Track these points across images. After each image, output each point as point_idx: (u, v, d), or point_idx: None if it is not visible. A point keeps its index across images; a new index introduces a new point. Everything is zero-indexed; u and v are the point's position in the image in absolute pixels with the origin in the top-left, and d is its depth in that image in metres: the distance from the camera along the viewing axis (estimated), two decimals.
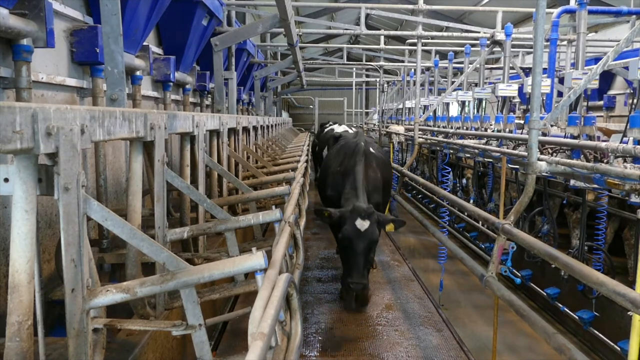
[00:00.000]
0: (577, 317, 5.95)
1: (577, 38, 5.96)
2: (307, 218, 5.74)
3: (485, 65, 11.15)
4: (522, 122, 8.15)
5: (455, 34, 11.67)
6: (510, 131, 7.80)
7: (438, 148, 10.53)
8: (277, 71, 16.09)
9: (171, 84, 6.89)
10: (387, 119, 19.25)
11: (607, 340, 5.52)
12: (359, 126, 21.50)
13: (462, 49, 10.50)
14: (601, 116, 11.78)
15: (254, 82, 13.09)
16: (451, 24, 11.91)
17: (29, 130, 1.79)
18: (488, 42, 9.32)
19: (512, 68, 8.92)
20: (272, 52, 17.50)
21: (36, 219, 2.00)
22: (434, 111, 12.06)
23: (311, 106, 31.81)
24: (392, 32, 13.50)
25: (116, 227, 2.31)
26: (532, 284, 7.17)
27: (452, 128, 10.50)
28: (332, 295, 6.93)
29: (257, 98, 13.36)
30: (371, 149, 7.05)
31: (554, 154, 5.45)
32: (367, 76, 25.16)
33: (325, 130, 14.05)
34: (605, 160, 4.55)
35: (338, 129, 12.86)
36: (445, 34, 12.45)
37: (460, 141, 8.68)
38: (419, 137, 10.60)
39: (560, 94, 6.81)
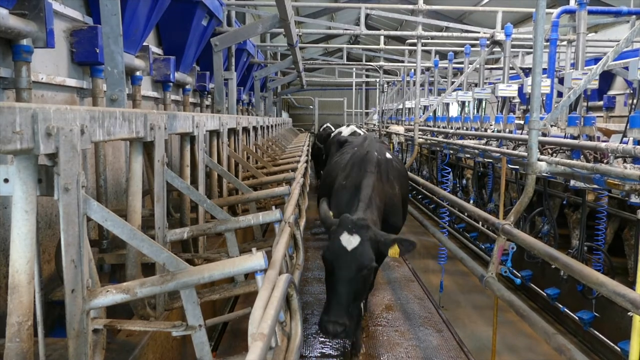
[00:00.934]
0: (577, 318, 5.95)
1: (577, 38, 5.96)
2: (307, 218, 5.73)
3: (485, 66, 11.14)
4: (522, 122, 8.15)
5: (455, 34, 11.68)
6: (510, 131, 7.80)
7: (438, 148, 10.53)
8: (277, 71, 16.09)
9: (171, 84, 6.89)
10: (387, 119, 19.24)
11: (607, 340, 5.51)
12: (372, 129, 21.17)
13: (462, 49, 10.50)
14: (601, 116, 11.78)
15: (254, 83, 13.09)
16: (451, 24, 11.92)
17: (29, 130, 1.79)
18: (488, 42, 9.33)
19: (512, 68, 8.92)
20: (272, 52, 17.50)
21: (36, 220, 2.00)
22: (434, 111, 12.05)
23: (311, 106, 31.82)
24: (392, 32, 13.52)
25: (116, 227, 2.31)
26: (532, 285, 7.17)
27: (452, 128, 10.49)
28: None
29: (257, 98, 13.36)
30: (387, 155, 5.71)
31: (554, 155, 5.45)
32: (367, 76, 25.18)
33: (332, 134, 12.76)
34: (605, 161, 4.55)
35: (345, 131, 11.87)
36: (445, 34, 12.45)
37: (460, 141, 8.68)
38: (419, 138, 10.60)
39: (560, 94, 6.81)
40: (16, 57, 3.44)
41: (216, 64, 7.52)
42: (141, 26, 5.34)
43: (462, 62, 11.08)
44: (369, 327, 5.99)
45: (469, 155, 8.65)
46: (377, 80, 21.10)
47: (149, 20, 5.46)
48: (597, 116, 9.65)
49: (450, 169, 10.17)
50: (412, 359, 5.34)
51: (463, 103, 10.21)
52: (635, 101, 4.64)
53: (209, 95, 9.16)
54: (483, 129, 9.20)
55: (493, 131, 8.35)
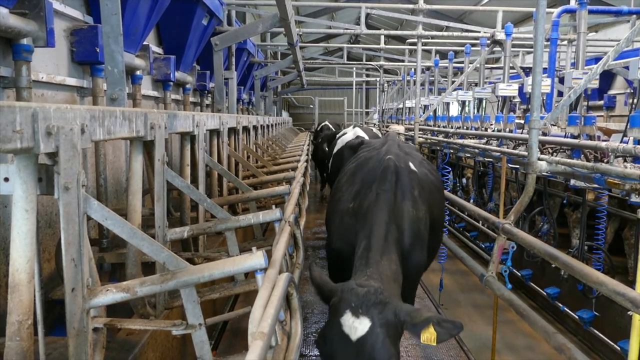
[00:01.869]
0: (577, 317, 5.94)
1: (577, 38, 5.95)
2: (307, 217, 5.73)
3: (486, 65, 11.14)
4: (522, 121, 8.16)
5: (455, 33, 11.68)
6: (511, 131, 7.80)
7: (438, 148, 10.52)
8: (277, 71, 16.10)
9: (171, 83, 6.89)
10: (387, 118, 19.24)
11: (607, 340, 5.52)
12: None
13: (462, 48, 10.51)
14: (601, 116, 11.78)
15: (254, 82, 13.09)
16: (451, 24, 11.93)
17: (29, 129, 1.79)
18: (488, 41, 9.33)
19: (512, 68, 8.92)
20: (272, 51, 17.51)
21: (36, 219, 2.00)
22: (434, 111, 12.05)
23: (311, 106, 31.77)
24: (392, 32, 13.55)
25: (116, 226, 2.31)
26: (532, 284, 7.17)
27: (452, 128, 10.50)
28: None
29: (257, 98, 13.36)
30: (411, 166, 4.21)
31: (554, 154, 5.45)
32: (367, 76, 25.17)
33: (337, 138, 9.71)
34: (605, 160, 4.55)
35: (349, 133, 9.29)
36: (445, 33, 12.46)
37: (460, 141, 8.68)
38: (419, 137, 10.60)
39: (560, 94, 6.82)
40: (16, 56, 3.44)
41: (216, 63, 7.52)
42: (141, 25, 5.34)
43: (462, 62, 11.08)
44: None
45: (469, 155, 8.65)
46: (378, 79, 21.10)
47: (149, 19, 5.46)
48: (598, 115, 9.67)
49: (450, 168, 10.17)
50: (412, 358, 5.34)
51: (463, 102, 10.21)
52: (635, 100, 4.64)
53: (209, 95, 9.16)
54: (483, 129, 9.20)
55: (493, 130, 8.35)
